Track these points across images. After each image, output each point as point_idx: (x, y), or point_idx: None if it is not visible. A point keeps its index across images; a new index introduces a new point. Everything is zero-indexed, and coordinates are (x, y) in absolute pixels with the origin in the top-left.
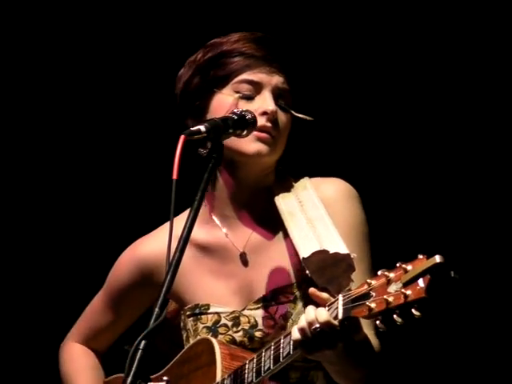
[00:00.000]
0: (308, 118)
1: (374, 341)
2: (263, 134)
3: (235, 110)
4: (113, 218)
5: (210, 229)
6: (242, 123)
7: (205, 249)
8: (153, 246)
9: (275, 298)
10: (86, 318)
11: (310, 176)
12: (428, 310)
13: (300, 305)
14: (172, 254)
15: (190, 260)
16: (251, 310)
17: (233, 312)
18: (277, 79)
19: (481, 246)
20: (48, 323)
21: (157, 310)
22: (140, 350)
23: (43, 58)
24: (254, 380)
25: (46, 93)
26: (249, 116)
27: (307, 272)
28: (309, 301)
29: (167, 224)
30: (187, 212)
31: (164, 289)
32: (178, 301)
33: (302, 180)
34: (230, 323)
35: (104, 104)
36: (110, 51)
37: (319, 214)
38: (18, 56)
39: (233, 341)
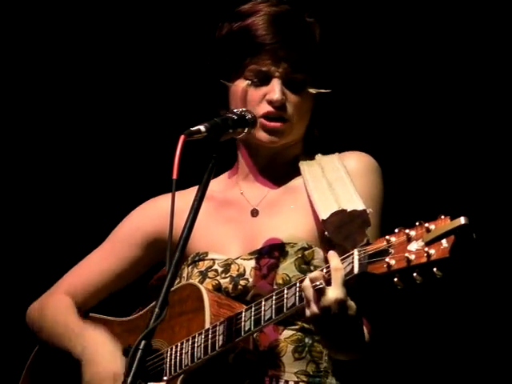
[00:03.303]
0: (323, 91)
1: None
2: (271, 124)
3: (235, 110)
4: (113, 218)
5: (228, 186)
6: (242, 123)
7: (218, 203)
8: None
9: (270, 252)
10: (78, 270)
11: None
12: (449, 270)
13: (289, 261)
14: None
15: (200, 211)
16: (244, 259)
17: (227, 259)
18: (284, 67)
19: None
20: None
21: (157, 309)
22: (140, 350)
23: (43, 58)
24: (252, 328)
25: (46, 92)
26: (249, 116)
27: (326, 233)
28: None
29: (190, 189)
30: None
31: (164, 289)
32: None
33: (330, 155)
34: (220, 269)
35: (104, 104)
36: (110, 51)
37: (339, 176)
38: (18, 56)
39: (218, 286)
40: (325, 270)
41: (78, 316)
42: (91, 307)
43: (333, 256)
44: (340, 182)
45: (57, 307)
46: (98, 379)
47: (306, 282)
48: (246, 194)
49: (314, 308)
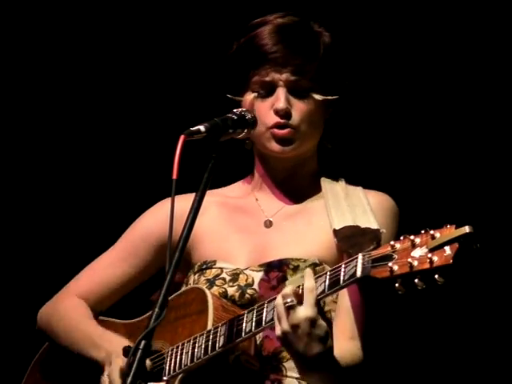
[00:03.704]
0: (330, 97)
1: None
2: (280, 132)
3: (235, 110)
4: (114, 217)
5: (243, 193)
6: (242, 123)
7: (232, 209)
8: (186, 204)
9: (280, 266)
10: (91, 272)
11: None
12: (451, 278)
13: (299, 275)
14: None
15: (212, 217)
16: (253, 271)
17: (235, 269)
18: (286, 75)
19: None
20: None
21: (157, 309)
22: (140, 350)
23: (43, 58)
24: (252, 329)
25: (46, 93)
26: (248, 116)
27: (334, 240)
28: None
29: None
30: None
31: (164, 289)
32: (188, 258)
33: (355, 186)
34: (228, 278)
35: (104, 104)
36: (110, 51)
37: (361, 203)
38: (18, 56)
39: (224, 294)
40: (301, 287)
41: (94, 320)
42: (104, 310)
43: (308, 276)
44: (361, 208)
45: (73, 311)
46: None
47: (279, 300)
48: (262, 202)
49: (284, 325)
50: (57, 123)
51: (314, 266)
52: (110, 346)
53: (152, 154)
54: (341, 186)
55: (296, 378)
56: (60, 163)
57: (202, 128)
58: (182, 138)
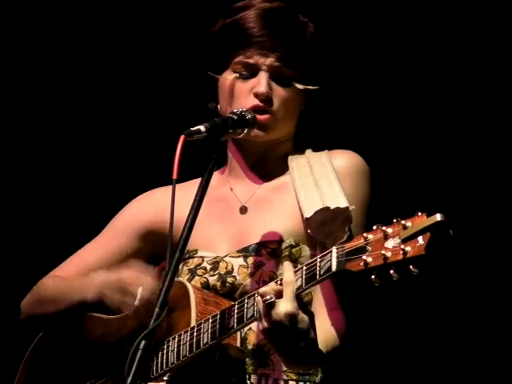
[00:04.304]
0: (311, 87)
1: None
2: (259, 117)
3: (235, 110)
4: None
5: (220, 183)
6: (242, 123)
7: (210, 199)
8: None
9: (258, 250)
10: (75, 259)
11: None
12: (426, 267)
13: (277, 259)
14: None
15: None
16: (232, 257)
17: (216, 257)
18: (271, 60)
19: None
20: None
21: (157, 309)
22: (140, 350)
23: (43, 58)
24: (235, 326)
25: (45, 93)
26: (249, 116)
27: (308, 231)
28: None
29: (190, 182)
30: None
31: (164, 289)
32: None
33: (320, 152)
34: (209, 267)
35: (104, 104)
36: (110, 51)
37: (325, 173)
38: (18, 56)
39: (206, 283)
40: (279, 282)
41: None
42: None
43: (286, 268)
44: (326, 179)
45: (53, 281)
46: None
47: (257, 297)
48: (236, 190)
49: (265, 321)
50: (57, 123)
51: (290, 247)
52: (96, 284)
53: (152, 153)
54: (306, 157)
55: (284, 372)
56: (60, 163)
57: (202, 128)
58: (181, 138)
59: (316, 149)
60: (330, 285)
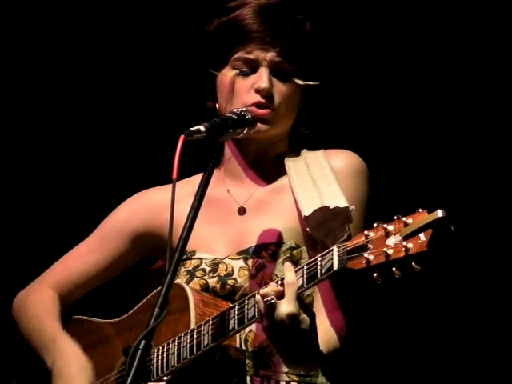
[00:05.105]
0: (311, 83)
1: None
2: (260, 111)
3: (235, 110)
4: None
5: (215, 183)
6: (242, 122)
7: (206, 201)
8: (165, 197)
9: (258, 252)
10: (64, 262)
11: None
12: (428, 264)
13: (277, 261)
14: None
15: (188, 208)
16: (232, 259)
17: (215, 259)
18: (271, 55)
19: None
20: None
21: (157, 309)
22: (140, 350)
23: (43, 58)
24: (236, 327)
25: (45, 92)
26: (248, 116)
27: (307, 229)
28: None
29: (186, 180)
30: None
31: (164, 289)
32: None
33: (316, 151)
34: (208, 268)
35: (104, 104)
36: (110, 51)
37: (323, 173)
38: (18, 56)
39: (205, 285)
40: (279, 283)
41: (56, 317)
42: (76, 300)
43: (287, 269)
44: (324, 179)
45: (39, 306)
46: None
47: (258, 297)
48: (233, 192)
49: (267, 322)
50: (56, 123)
51: (291, 249)
52: (55, 354)
53: (152, 153)
54: (303, 157)
55: (285, 373)
56: (60, 163)
57: (201, 128)
58: (181, 137)
59: (312, 148)
60: (329, 286)
